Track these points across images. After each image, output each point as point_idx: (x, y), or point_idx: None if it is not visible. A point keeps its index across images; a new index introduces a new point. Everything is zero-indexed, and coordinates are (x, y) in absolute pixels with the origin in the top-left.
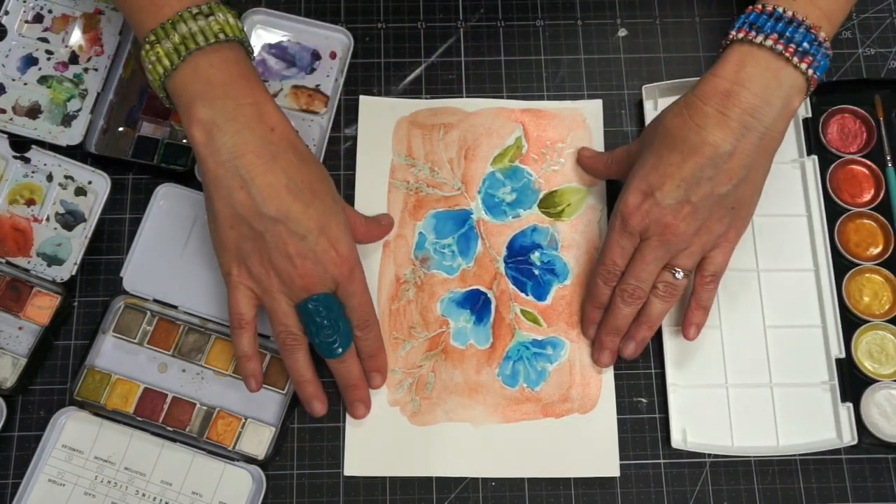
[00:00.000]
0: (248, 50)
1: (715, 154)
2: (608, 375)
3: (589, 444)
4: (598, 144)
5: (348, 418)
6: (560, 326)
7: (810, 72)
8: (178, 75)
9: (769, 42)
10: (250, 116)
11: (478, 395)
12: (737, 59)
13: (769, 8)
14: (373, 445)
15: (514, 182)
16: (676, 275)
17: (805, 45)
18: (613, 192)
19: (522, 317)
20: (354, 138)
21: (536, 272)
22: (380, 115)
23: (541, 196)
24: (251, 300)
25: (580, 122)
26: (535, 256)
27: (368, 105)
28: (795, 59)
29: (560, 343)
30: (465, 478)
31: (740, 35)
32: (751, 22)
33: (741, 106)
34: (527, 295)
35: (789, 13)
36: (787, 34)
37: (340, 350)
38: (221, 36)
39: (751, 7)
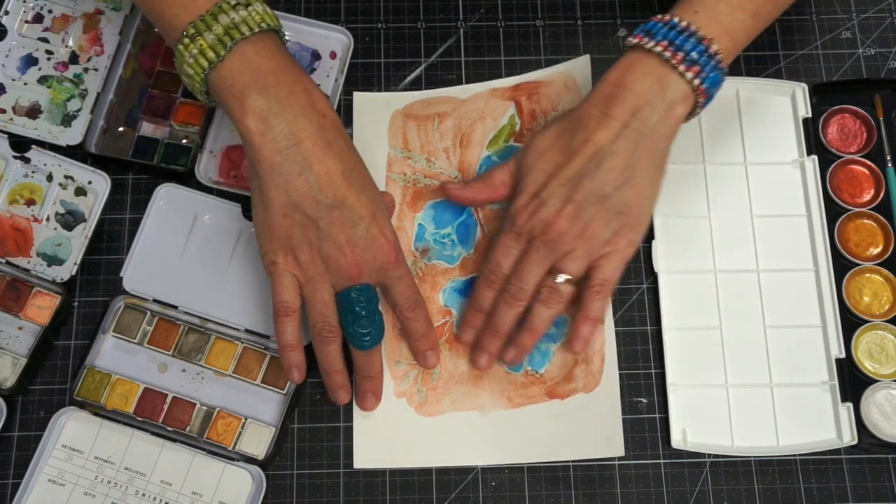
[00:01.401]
0: (283, 40)
1: (596, 152)
2: (611, 353)
3: (594, 425)
4: None
5: (355, 413)
6: None
7: (696, 81)
8: (224, 66)
9: (658, 48)
10: (303, 104)
11: (483, 383)
12: (626, 63)
13: (667, 18)
14: (381, 438)
15: None
16: (557, 278)
17: (694, 54)
18: None
19: None
20: None
21: None
22: (374, 110)
23: None
24: (296, 288)
25: (571, 84)
26: None
27: (362, 101)
28: (682, 67)
29: (561, 320)
30: (467, 476)
31: (634, 41)
32: (647, 29)
33: (623, 106)
34: None
35: (684, 23)
36: (677, 42)
37: (370, 344)
38: (264, 25)
39: (656, 17)
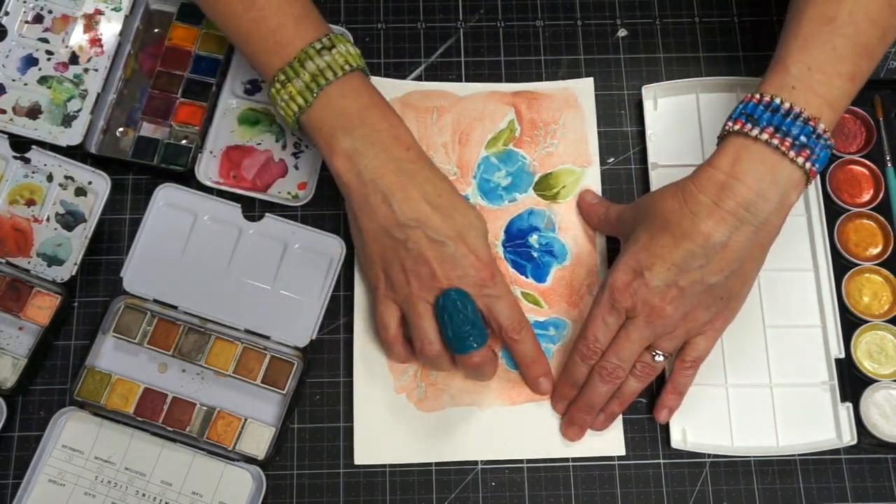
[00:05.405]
0: (367, 76)
1: (707, 243)
2: None
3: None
4: (591, 123)
5: (356, 409)
6: (561, 307)
7: (808, 165)
8: (312, 111)
9: (765, 136)
10: (386, 140)
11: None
12: (733, 151)
13: (766, 98)
14: (381, 434)
15: (508, 166)
16: (657, 357)
17: (802, 138)
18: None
19: (523, 299)
20: None
21: (535, 254)
22: None
23: (536, 179)
24: (394, 311)
25: (572, 101)
26: (533, 239)
27: None
28: (792, 154)
29: (562, 323)
30: (467, 476)
31: (736, 127)
32: (747, 113)
33: (736, 199)
34: (527, 277)
35: (787, 104)
36: (784, 127)
37: (475, 345)
38: (347, 67)
39: (749, 95)
